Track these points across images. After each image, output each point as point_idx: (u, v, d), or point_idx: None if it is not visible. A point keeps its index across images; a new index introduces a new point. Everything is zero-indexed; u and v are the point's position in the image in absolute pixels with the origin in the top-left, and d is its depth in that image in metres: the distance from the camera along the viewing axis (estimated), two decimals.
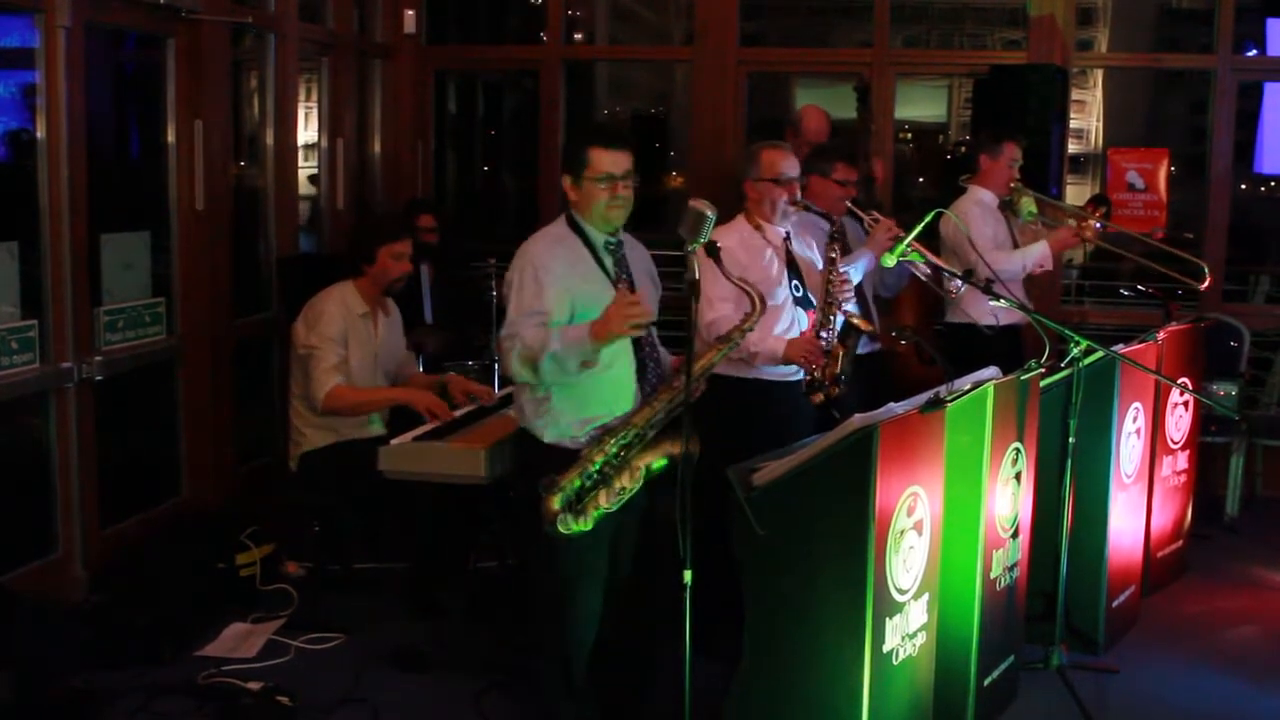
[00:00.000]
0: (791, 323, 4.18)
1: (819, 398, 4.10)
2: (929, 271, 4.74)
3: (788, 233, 4.31)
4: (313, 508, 4.66)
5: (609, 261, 3.43)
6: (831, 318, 4.18)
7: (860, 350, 4.86)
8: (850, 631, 3.06)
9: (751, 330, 3.45)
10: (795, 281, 4.24)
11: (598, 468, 3.26)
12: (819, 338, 4.14)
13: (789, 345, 4.08)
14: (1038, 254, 5.22)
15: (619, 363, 3.37)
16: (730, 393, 4.08)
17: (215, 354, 5.39)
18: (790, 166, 4.26)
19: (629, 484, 3.30)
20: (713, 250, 3.31)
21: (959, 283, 4.75)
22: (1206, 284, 5.53)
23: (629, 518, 3.43)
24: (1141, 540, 4.83)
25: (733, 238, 4.12)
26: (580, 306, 3.30)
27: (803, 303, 4.23)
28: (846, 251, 4.87)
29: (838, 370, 4.12)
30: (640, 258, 3.60)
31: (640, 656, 3.65)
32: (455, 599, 4.55)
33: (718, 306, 3.99)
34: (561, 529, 3.22)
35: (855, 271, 4.71)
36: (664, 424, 3.34)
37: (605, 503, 3.27)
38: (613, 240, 3.45)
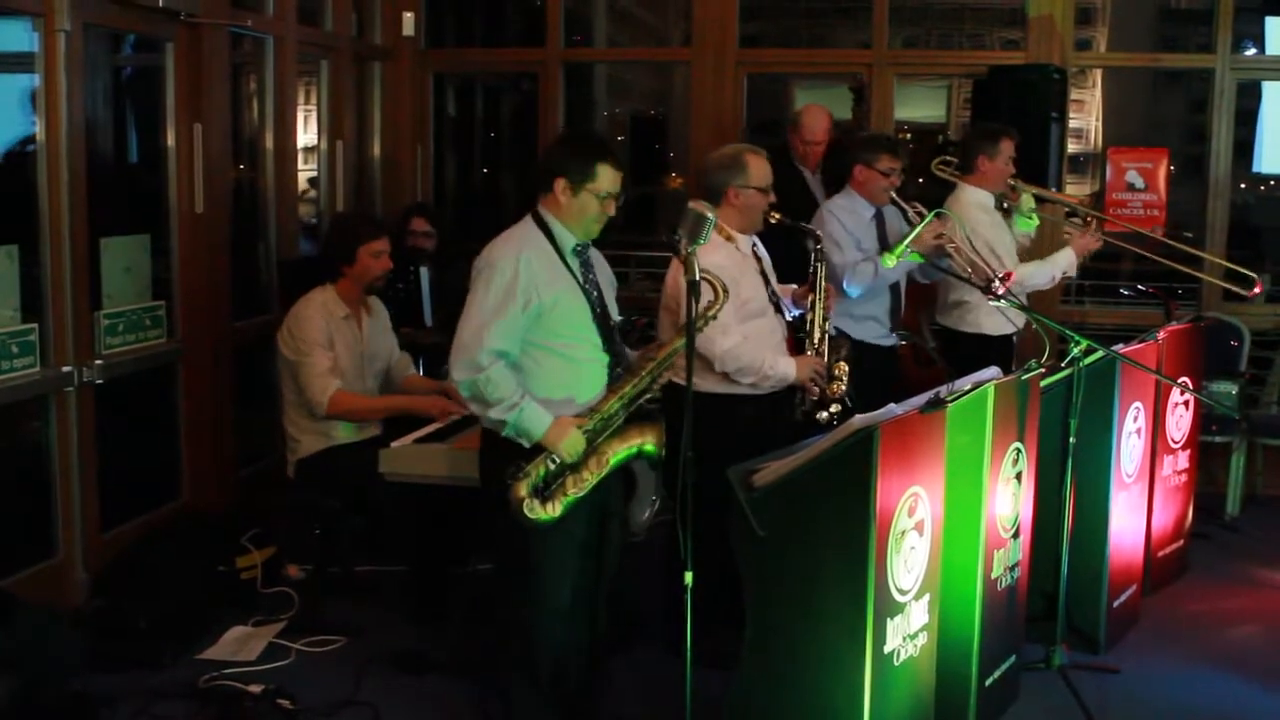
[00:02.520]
0: (775, 328, 4.16)
1: (825, 416, 4.07)
2: (969, 270, 4.70)
3: (754, 240, 4.25)
4: (313, 511, 4.66)
5: (575, 265, 3.45)
6: (825, 333, 4.13)
7: (876, 341, 4.88)
8: (851, 632, 3.06)
9: (715, 319, 3.50)
10: (770, 289, 4.20)
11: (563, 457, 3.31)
12: (816, 355, 4.11)
13: (798, 366, 4.07)
14: (1065, 261, 5.19)
15: (588, 352, 3.42)
16: (713, 407, 3.94)
17: (215, 357, 5.39)
18: (771, 174, 4.18)
19: (595, 471, 3.35)
20: (694, 288, 3.37)
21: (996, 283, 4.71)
22: (1256, 290, 5.50)
23: (602, 516, 3.50)
24: (1142, 540, 4.82)
25: (719, 254, 3.98)
26: (549, 308, 3.33)
27: (777, 308, 4.20)
28: (884, 243, 4.85)
29: (844, 389, 4.11)
30: (602, 266, 3.62)
31: (593, 662, 3.68)
32: (456, 601, 4.55)
33: (731, 333, 3.95)
34: (529, 514, 3.25)
35: (900, 268, 4.72)
36: (629, 413, 3.41)
37: (573, 490, 3.32)
38: (580, 245, 3.47)
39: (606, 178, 3.38)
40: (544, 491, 3.27)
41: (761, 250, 4.29)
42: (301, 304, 4.57)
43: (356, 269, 4.60)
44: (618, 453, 3.38)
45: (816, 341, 4.15)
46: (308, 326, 4.47)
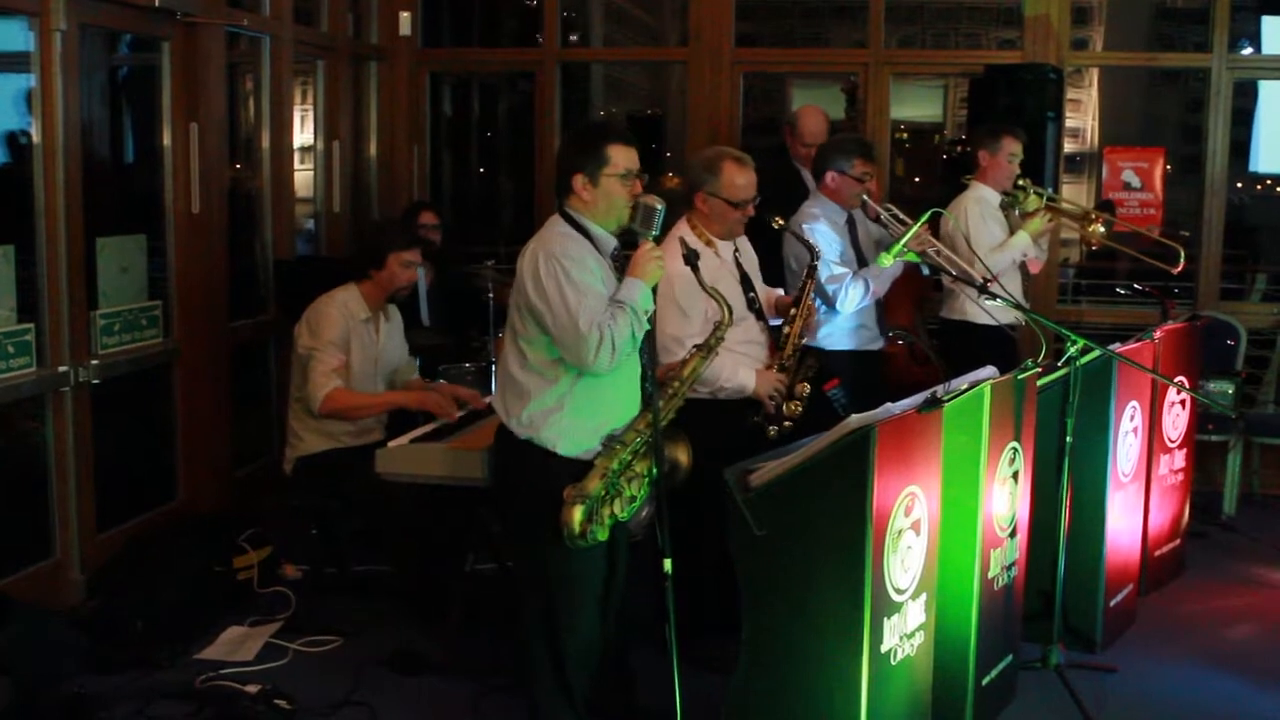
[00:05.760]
0: (753, 335, 4.11)
1: (774, 431, 4.02)
2: (953, 275, 4.69)
3: (735, 245, 4.20)
4: (310, 511, 4.65)
5: (615, 270, 3.38)
6: (797, 350, 4.10)
7: (866, 347, 4.85)
8: (848, 632, 3.06)
9: (723, 339, 3.43)
10: (751, 294, 4.16)
11: (616, 474, 3.27)
12: (782, 370, 4.08)
13: (758, 380, 4.01)
14: (1021, 244, 5.17)
15: (628, 366, 3.35)
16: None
17: (212, 357, 5.39)
18: (751, 186, 4.02)
19: (637, 491, 3.32)
20: (691, 259, 3.28)
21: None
22: (1180, 268, 5.46)
23: (618, 530, 3.44)
24: (1139, 539, 4.83)
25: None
26: None
27: (758, 314, 4.17)
28: (856, 247, 4.84)
29: (797, 409, 4.06)
30: None
31: (618, 663, 3.65)
32: (453, 601, 4.55)
33: (687, 346, 3.75)
34: (588, 541, 3.22)
35: (886, 277, 4.69)
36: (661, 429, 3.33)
37: (619, 511, 3.29)
38: (617, 249, 3.40)
39: (621, 156, 3.28)
40: (594, 514, 3.23)
41: (748, 255, 4.25)
42: (324, 300, 4.55)
43: (384, 275, 4.60)
44: (651, 469, 3.31)
45: (785, 357, 4.08)
46: (326, 324, 4.46)
